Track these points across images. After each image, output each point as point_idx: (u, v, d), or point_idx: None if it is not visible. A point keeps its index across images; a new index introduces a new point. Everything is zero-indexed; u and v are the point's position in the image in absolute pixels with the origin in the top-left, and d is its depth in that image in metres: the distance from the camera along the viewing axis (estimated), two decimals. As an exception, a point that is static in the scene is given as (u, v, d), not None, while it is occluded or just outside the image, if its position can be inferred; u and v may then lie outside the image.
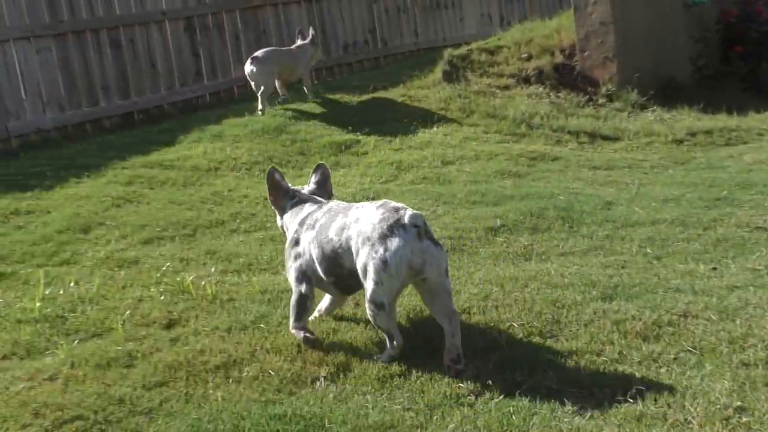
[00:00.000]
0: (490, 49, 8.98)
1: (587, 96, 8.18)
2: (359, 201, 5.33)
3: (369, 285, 2.83)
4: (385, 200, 3.11)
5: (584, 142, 6.85)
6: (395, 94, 7.89)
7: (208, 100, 10.22)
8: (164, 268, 4.18)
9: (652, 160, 6.24)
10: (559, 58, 8.68)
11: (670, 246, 4.07)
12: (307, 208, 3.35)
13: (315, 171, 3.67)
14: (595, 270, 3.75)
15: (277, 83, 7.81)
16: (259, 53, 7.64)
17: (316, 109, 7.32)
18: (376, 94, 7.93)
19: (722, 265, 3.67)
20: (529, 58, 8.77)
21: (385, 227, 2.85)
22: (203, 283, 3.91)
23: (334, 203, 3.36)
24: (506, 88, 8.21)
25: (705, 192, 5.06)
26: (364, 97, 7.88)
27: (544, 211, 4.78)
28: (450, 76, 8.30)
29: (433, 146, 6.56)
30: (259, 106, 7.45)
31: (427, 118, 7.33)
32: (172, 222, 5.04)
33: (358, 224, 2.96)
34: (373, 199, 5.33)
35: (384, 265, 2.79)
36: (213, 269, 4.17)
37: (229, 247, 4.56)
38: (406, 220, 2.85)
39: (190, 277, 3.95)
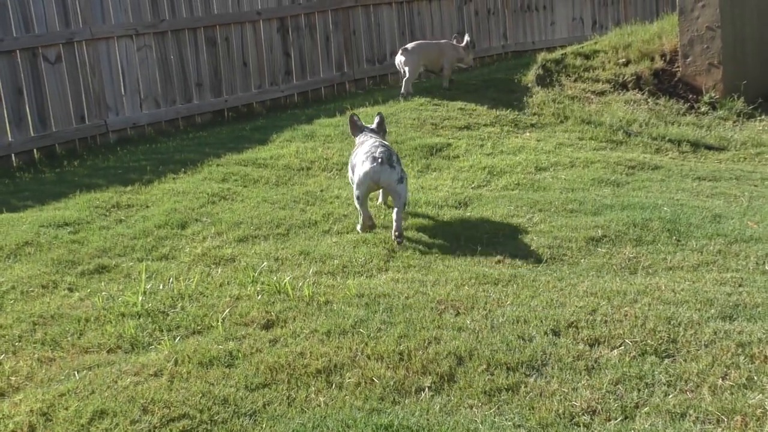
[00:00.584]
0: (586, 53, 8.73)
1: (688, 104, 7.84)
2: (451, 205, 5.27)
3: (353, 185, 4.72)
4: (378, 143, 4.78)
5: (686, 152, 6.55)
6: (488, 96, 7.75)
7: (296, 99, 10.34)
8: (260, 267, 4.18)
9: (762, 172, 5.90)
10: (659, 64, 8.36)
11: (792, 265, 3.80)
12: (360, 137, 5.04)
13: (376, 117, 5.28)
14: (710, 287, 3.54)
15: (421, 70, 8.50)
16: (408, 45, 8.44)
17: (407, 111, 7.25)
18: (466, 99, 7.80)
19: None
20: (627, 63, 8.47)
21: (365, 157, 4.63)
22: (300, 284, 3.89)
23: (366, 137, 4.98)
24: (602, 93, 7.94)
25: (827, 208, 4.74)
26: (454, 101, 7.76)
27: (648, 222, 4.56)
28: (543, 81, 8.10)
29: (526, 152, 6.39)
30: (402, 91, 8.17)
31: (520, 123, 7.16)
32: (265, 220, 5.05)
33: (358, 153, 4.78)
34: (466, 205, 5.24)
35: (359, 177, 4.61)
36: (308, 270, 4.15)
37: (323, 248, 4.53)
38: (376, 154, 4.58)
39: (287, 278, 3.94)
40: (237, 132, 7.48)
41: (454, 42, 8.50)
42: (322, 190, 5.69)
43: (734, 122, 7.40)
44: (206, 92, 9.01)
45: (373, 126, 5.19)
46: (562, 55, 8.73)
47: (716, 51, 7.91)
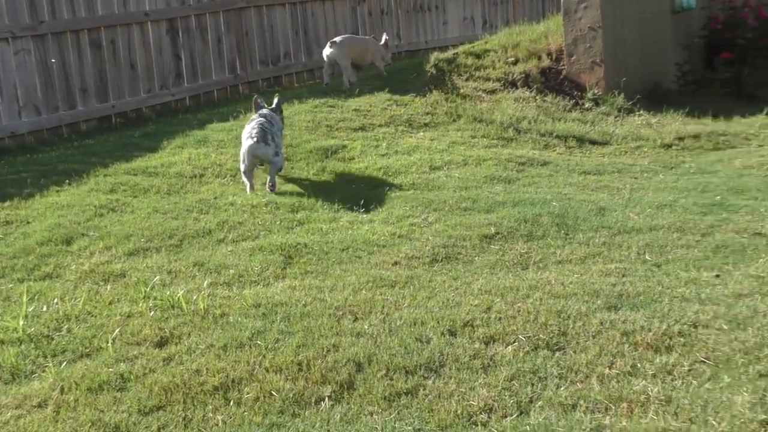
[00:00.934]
0: (477, 52, 8.93)
1: (574, 100, 8.15)
2: (348, 207, 5.27)
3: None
4: (257, 122, 5.65)
5: (572, 147, 6.81)
6: (381, 98, 7.79)
7: (188, 103, 10.09)
8: (152, 282, 4.03)
9: (641, 164, 6.21)
10: (546, 62, 8.65)
11: (670, 253, 4.01)
12: (253, 116, 5.92)
13: (275, 97, 6.16)
14: (596, 278, 3.69)
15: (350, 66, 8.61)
16: (337, 39, 8.60)
17: (302, 114, 7.19)
18: (362, 98, 7.82)
19: (725, 273, 3.62)
20: (516, 62, 8.72)
21: (245, 136, 5.59)
22: (195, 297, 3.78)
23: (255, 116, 5.85)
24: (493, 92, 8.15)
25: (698, 197, 5.03)
26: (350, 101, 7.76)
27: (538, 217, 4.71)
28: (436, 80, 8.23)
29: (421, 151, 6.47)
30: (346, 84, 8.43)
31: (414, 123, 7.24)
32: (157, 232, 4.89)
33: (243, 132, 5.71)
34: (361, 206, 5.25)
35: (242, 153, 5.58)
36: (203, 282, 4.04)
37: (218, 258, 4.43)
38: (253, 134, 5.51)
39: (180, 291, 3.82)
40: (126, 139, 7.21)
41: (373, 39, 8.91)
42: (216, 198, 5.56)
43: (615, 117, 7.75)
44: (91, 98, 8.65)
45: (272, 106, 6.09)
46: (454, 54, 8.89)
47: (598, 50, 8.27)
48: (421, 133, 6.98)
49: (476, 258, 4.20)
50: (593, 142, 6.90)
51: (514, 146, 6.76)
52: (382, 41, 8.90)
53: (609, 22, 8.27)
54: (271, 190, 5.59)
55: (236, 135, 6.71)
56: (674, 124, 7.45)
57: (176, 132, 7.08)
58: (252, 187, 5.67)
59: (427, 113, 7.46)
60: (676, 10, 9.35)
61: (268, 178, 5.64)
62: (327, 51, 8.54)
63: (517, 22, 14.87)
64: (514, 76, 8.43)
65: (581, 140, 6.91)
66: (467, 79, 8.36)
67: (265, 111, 5.95)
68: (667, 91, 8.81)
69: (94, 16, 9.10)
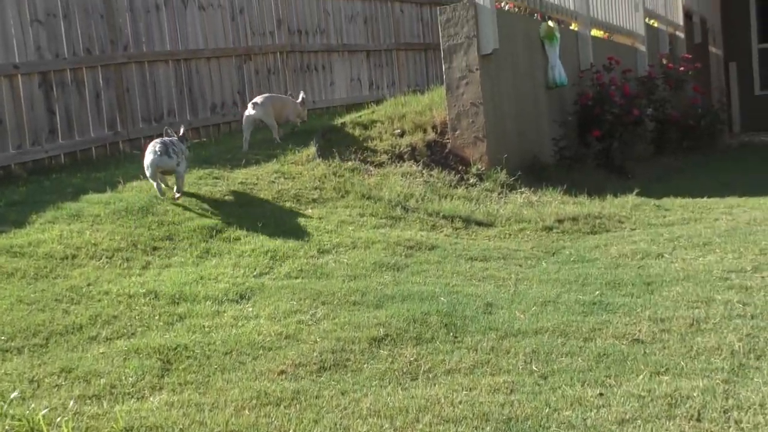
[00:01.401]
0: (364, 123, 8.97)
1: (459, 175, 8.32)
2: (232, 299, 5.07)
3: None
4: (160, 140, 6.60)
5: (459, 228, 6.90)
6: (269, 169, 7.65)
7: (63, 161, 9.60)
8: (10, 396, 3.66)
9: (525, 249, 6.36)
10: (431, 135, 8.81)
11: (555, 362, 4.07)
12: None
13: (182, 126, 7.36)
14: (486, 396, 3.67)
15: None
16: (257, 99, 8.77)
17: (186, 186, 6.91)
18: (249, 169, 7.65)
19: (608, 389, 3.69)
20: (403, 134, 8.83)
21: (149, 150, 6.51)
22: (58, 418, 3.45)
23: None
24: (381, 165, 8.19)
25: (580, 292, 5.18)
26: (236, 172, 7.57)
27: (426, 316, 4.69)
28: (324, 152, 8.18)
29: (309, 231, 6.36)
30: (277, 139, 8.77)
31: (302, 199, 7.14)
32: (20, 327, 4.49)
33: (147, 147, 6.61)
34: (248, 299, 5.06)
35: (146, 165, 6.53)
36: (69, 395, 3.71)
37: (88, 362, 4.11)
38: (156, 149, 6.44)
39: (42, 410, 3.49)
40: (-12, 210, 6.66)
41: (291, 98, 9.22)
42: (89, 284, 5.21)
43: (499, 194, 7.96)
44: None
45: (180, 134, 7.00)
46: (341, 124, 8.90)
47: (480, 125, 8.51)
48: (310, 210, 6.88)
49: (365, 366, 4.10)
50: (479, 223, 7.03)
51: (403, 226, 6.77)
52: (300, 99, 9.19)
53: (489, 98, 8.55)
54: (178, 197, 6.58)
55: (115, 209, 6.37)
56: (554, 202, 7.73)
57: (47, 202, 6.61)
58: (161, 189, 6.58)
59: (316, 188, 7.37)
60: (550, 86, 9.84)
61: (175, 188, 6.61)
62: (250, 112, 8.60)
63: (402, 84, 15.23)
64: (401, 149, 8.52)
65: (467, 221, 7.02)
66: (355, 151, 8.36)
67: (167, 138, 6.71)
68: (545, 165, 9.19)
69: (-43, 68, 8.53)
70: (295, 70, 12.85)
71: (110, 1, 9.95)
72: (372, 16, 14.71)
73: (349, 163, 8.06)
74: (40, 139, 9.28)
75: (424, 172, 8.16)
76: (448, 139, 8.78)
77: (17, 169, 8.98)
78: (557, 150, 9.45)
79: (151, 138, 10.33)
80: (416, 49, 15.85)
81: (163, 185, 6.63)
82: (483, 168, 8.40)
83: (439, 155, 8.64)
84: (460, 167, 8.47)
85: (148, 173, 6.56)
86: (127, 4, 10.23)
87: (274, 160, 7.93)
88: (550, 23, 9.77)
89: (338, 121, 9.08)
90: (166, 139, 6.62)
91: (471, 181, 8.21)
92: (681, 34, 15.03)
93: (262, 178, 7.41)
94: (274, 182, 7.37)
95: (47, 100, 9.35)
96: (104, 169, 8.43)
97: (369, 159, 8.26)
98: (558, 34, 9.75)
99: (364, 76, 14.37)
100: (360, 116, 9.32)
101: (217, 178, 7.33)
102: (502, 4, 9.32)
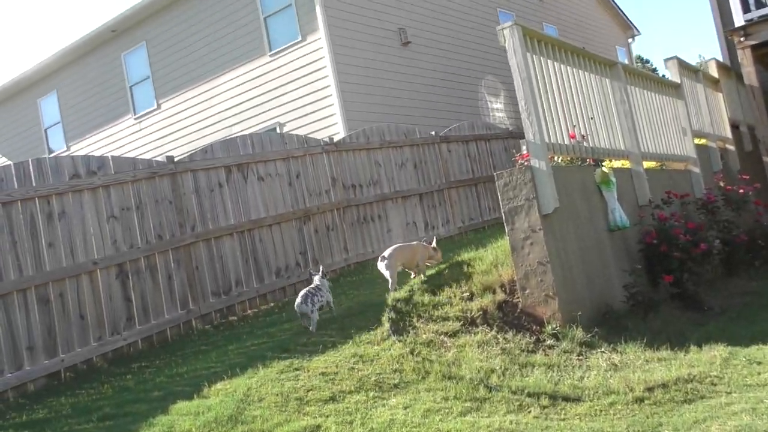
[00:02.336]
0: (432, 288, 9.01)
1: (534, 336, 8.22)
2: None
3: None
4: (309, 288, 8.74)
5: (547, 407, 6.75)
6: (346, 353, 7.67)
7: (140, 346, 9.84)
8: None
9: (620, 430, 6.17)
10: (500, 296, 8.79)
11: None
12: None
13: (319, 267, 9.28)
14: None
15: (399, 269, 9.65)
16: (386, 252, 9.53)
17: (269, 383, 6.95)
18: (327, 356, 7.68)
19: None
20: (471, 296, 8.83)
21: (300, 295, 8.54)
22: None
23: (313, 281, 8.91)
24: (454, 334, 8.15)
25: (691, 492, 4.95)
26: (315, 360, 7.60)
27: None
28: (397, 326, 8.20)
29: (396, 427, 6.29)
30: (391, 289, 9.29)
31: (384, 385, 7.11)
32: None
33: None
34: None
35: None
36: None
37: None
38: (299, 297, 8.57)
39: None
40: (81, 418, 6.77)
41: (425, 243, 9.94)
42: None
43: (579, 355, 7.81)
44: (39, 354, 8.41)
45: (320, 274, 9.05)
46: (410, 292, 8.96)
47: (549, 283, 8.47)
48: (393, 400, 6.83)
49: None
50: (566, 398, 6.87)
51: (489, 410, 6.65)
52: (433, 243, 9.96)
53: (555, 255, 8.55)
54: (312, 330, 8.51)
55: (205, 421, 6.41)
56: (638, 362, 7.54)
57: (139, 415, 6.68)
58: (305, 324, 8.62)
59: (395, 370, 7.35)
60: (611, 229, 9.81)
61: (311, 327, 8.52)
62: (380, 264, 9.42)
63: (456, 220, 15.41)
64: (473, 313, 8.49)
65: (554, 397, 6.87)
66: (427, 321, 8.37)
67: (316, 281, 8.92)
68: (619, 313, 9.03)
69: (42, 273, 8.97)
70: (352, 224, 13.14)
71: (178, 188, 10.42)
72: (421, 159, 15.11)
73: (424, 335, 8.05)
74: (119, 328, 9.56)
75: (499, 337, 8.09)
76: (517, 298, 8.74)
77: (98, 361, 9.21)
78: (629, 296, 9.32)
79: (221, 311, 10.60)
80: (467, 185, 16.14)
81: (307, 324, 8.54)
82: (557, 326, 8.29)
83: (510, 316, 8.58)
84: (534, 327, 8.38)
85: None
86: (193, 187, 10.71)
87: (350, 341, 7.96)
88: (605, 169, 9.86)
89: (406, 288, 9.14)
90: (312, 288, 8.69)
91: (547, 342, 8.10)
92: (731, 147, 15.03)
93: (341, 365, 7.42)
94: (353, 369, 7.37)
95: (124, 289, 9.69)
96: (182, 355, 8.56)
97: (442, 328, 8.24)
98: (614, 179, 9.82)
99: (419, 219, 14.60)
100: (428, 279, 9.39)
101: (297, 369, 7.37)
102: (555, 157, 9.46)
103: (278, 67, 18.47)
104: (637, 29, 33.76)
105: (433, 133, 15.62)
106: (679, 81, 13.05)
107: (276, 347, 8.05)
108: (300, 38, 18.02)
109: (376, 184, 13.82)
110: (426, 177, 15.05)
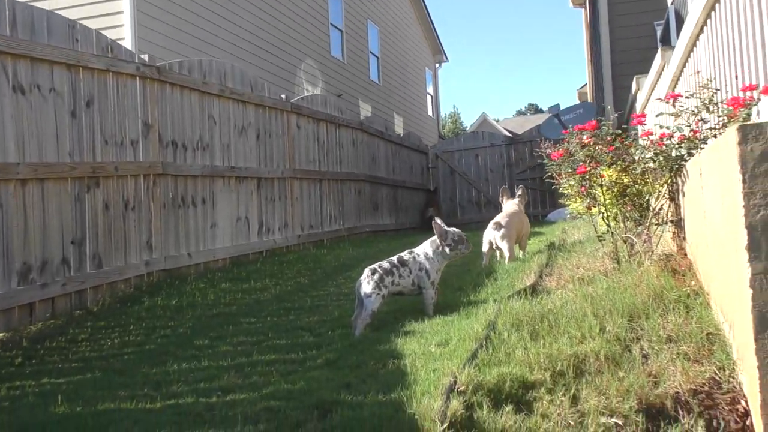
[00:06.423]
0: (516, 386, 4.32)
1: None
2: None
3: None
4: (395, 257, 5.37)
5: None
6: None
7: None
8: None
9: None
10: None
11: None
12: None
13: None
14: None
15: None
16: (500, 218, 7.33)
17: None
18: None
19: None
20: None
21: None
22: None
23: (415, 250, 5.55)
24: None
25: None
26: None
27: None
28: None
29: None
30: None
31: None
32: None
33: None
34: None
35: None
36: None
37: None
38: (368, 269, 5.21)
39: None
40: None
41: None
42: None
43: None
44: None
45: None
46: (464, 402, 4.15)
47: None
48: None
49: None
50: None
51: None
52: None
53: None
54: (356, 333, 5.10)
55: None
56: None
57: None
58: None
59: None
60: None
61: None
62: (495, 235, 7.25)
63: (295, 227, 10.73)
64: None
65: None
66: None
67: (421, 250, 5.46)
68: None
69: None
70: (164, 204, 7.82)
71: None
72: (266, 130, 10.15)
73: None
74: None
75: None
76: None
77: None
78: None
79: None
80: (312, 179, 11.49)
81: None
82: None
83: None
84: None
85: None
86: None
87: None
88: None
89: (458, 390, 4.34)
90: (395, 260, 5.33)
91: None
92: None
93: None
94: None
95: None
96: None
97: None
98: None
99: (253, 214, 9.61)
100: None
101: None
102: None
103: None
104: (446, 56, 31.56)
105: (283, 96, 10.75)
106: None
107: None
108: None
109: (206, 150, 8.64)
110: (269, 155, 10.15)
